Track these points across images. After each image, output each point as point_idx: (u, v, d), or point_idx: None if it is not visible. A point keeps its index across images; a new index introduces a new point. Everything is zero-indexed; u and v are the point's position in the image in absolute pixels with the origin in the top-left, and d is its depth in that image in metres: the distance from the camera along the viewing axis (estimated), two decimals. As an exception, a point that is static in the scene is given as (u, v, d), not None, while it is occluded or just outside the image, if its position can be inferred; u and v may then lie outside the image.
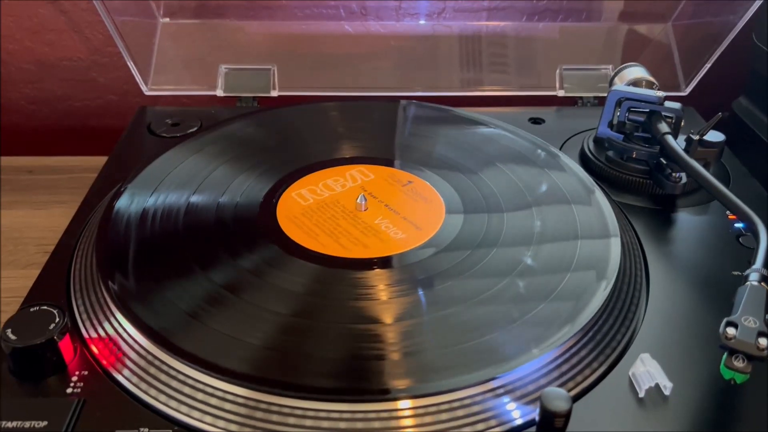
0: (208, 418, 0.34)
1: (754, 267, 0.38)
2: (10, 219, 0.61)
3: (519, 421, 0.34)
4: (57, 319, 0.37)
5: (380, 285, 0.41)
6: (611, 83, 0.60)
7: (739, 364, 0.34)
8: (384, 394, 0.34)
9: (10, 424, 0.33)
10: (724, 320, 0.35)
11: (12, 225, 0.60)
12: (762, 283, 0.37)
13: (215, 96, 0.67)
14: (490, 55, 0.71)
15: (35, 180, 0.68)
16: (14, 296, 0.49)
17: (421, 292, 0.41)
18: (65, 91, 0.78)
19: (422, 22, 0.73)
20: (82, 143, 0.81)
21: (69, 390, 0.36)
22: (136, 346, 0.37)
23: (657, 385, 0.36)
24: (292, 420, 0.34)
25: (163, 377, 0.36)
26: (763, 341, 0.34)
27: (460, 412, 0.34)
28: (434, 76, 0.72)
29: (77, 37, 0.75)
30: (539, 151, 0.55)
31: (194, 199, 0.49)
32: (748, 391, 0.36)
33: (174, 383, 0.35)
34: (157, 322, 0.38)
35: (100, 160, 0.58)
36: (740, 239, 0.48)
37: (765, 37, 0.63)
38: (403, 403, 0.34)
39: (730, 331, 0.34)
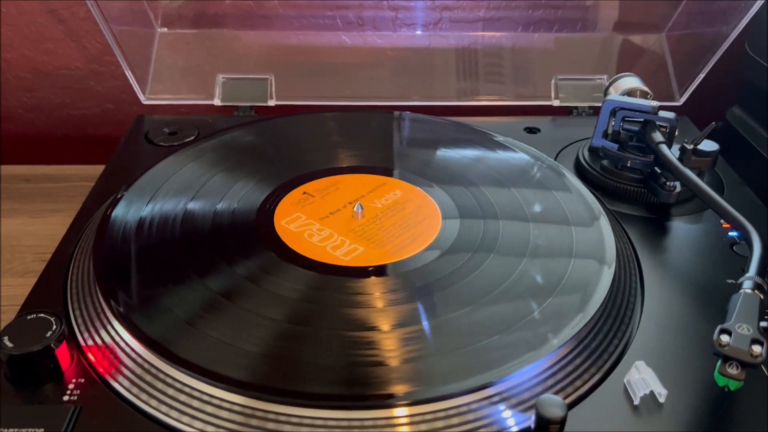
0: (200, 425, 0.34)
1: (747, 275, 0.39)
2: (7, 227, 0.61)
3: (514, 429, 0.34)
4: (54, 327, 0.37)
5: (376, 292, 0.42)
6: (606, 93, 0.60)
7: (733, 371, 0.34)
8: (379, 401, 0.34)
9: (6, 431, 0.33)
10: (718, 327, 0.35)
11: (9, 233, 0.60)
12: (755, 291, 0.37)
13: (213, 105, 0.67)
14: (486, 65, 0.72)
15: (32, 188, 0.68)
16: (11, 304, 0.49)
17: (416, 300, 0.41)
18: (63, 100, 0.78)
19: (419, 32, 0.74)
20: (80, 152, 0.81)
21: (65, 397, 0.36)
22: (132, 354, 0.37)
23: (652, 393, 0.36)
24: (287, 428, 0.34)
25: (159, 384, 0.36)
26: (756, 348, 0.34)
27: (452, 420, 0.34)
28: (431, 86, 0.72)
29: (75, 45, 0.75)
30: (541, 165, 0.56)
31: (191, 206, 0.49)
32: (742, 398, 0.36)
33: (170, 390, 0.35)
34: (153, 329, 0.38)
35: (98, 169, 0.58)
36: (734, 247, 0.48)
37: (758, 47, 0.63)
38: (399, 411, 0.34)
39: (724, 338, 0.34)
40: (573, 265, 0.44)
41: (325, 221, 0.48)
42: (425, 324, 0.39)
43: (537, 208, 0.50)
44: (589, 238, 0.46)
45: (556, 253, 0.45)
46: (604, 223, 0.47)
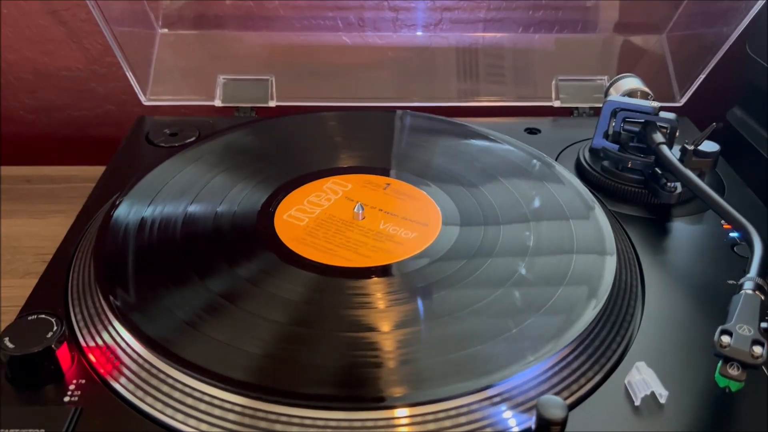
0: (204, 426, 0.34)
1: (748, 276, 0.39)
2: (8, 228, 0.61)
3: (515, 430, 0.34)
4: (54, 328, 0.37)
5: (377, 294, 0.42)
6: (606, 94, 0.60)
7: (734, 372, 0.34)
8: (379, 402, 0.34)
9: (7, 432, 0.33)
10: (719, 328, 0.35)
11: (10, 234, 0.60)
12: (756, 292, 0.37)
13: (213, 106, 0.68)
14: (487, 66, 0.72)
15: (34, 189, 0.68)
16: (12, 305, 0.49)
17: (417, 301, 0.41)
18: (64, 101, 0.78)
19: (419, 33, 0.74)
20: (81, 153, 0.81)
21: (66, 398, 0.36)
22: (133, 355, 0.37)
23: (652, 393, 0.36)
24: (289, 428, 0.34)
25: (159, 385, 0.36)
26: (757, 349, 0.34)
27: (454, 421, 0.34)
28: (431, 87, 0.72)
29: (76, 47, 0.75)
30: (538, 163, 0.56)
31: (192, 208, 0.49)
32: (743, 399, 0.36)
33: (171, 391, 0.35)
34: (154, 330, 0.38)
35: (99, 170, 0.58)
36: (735, 248, 0.48)
37: (758, 48, 0.63)
38: (399, 412, 0.34)
39: (725, 339, 0.34)
40: (574, 265, 0.44)
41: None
42: (426, 325, 0.39)
43: (538, 208, 0.50)
44: (589, 238, 0.46)
45: (556, 253, 0.45)
46: (605, 224, 0.47)
